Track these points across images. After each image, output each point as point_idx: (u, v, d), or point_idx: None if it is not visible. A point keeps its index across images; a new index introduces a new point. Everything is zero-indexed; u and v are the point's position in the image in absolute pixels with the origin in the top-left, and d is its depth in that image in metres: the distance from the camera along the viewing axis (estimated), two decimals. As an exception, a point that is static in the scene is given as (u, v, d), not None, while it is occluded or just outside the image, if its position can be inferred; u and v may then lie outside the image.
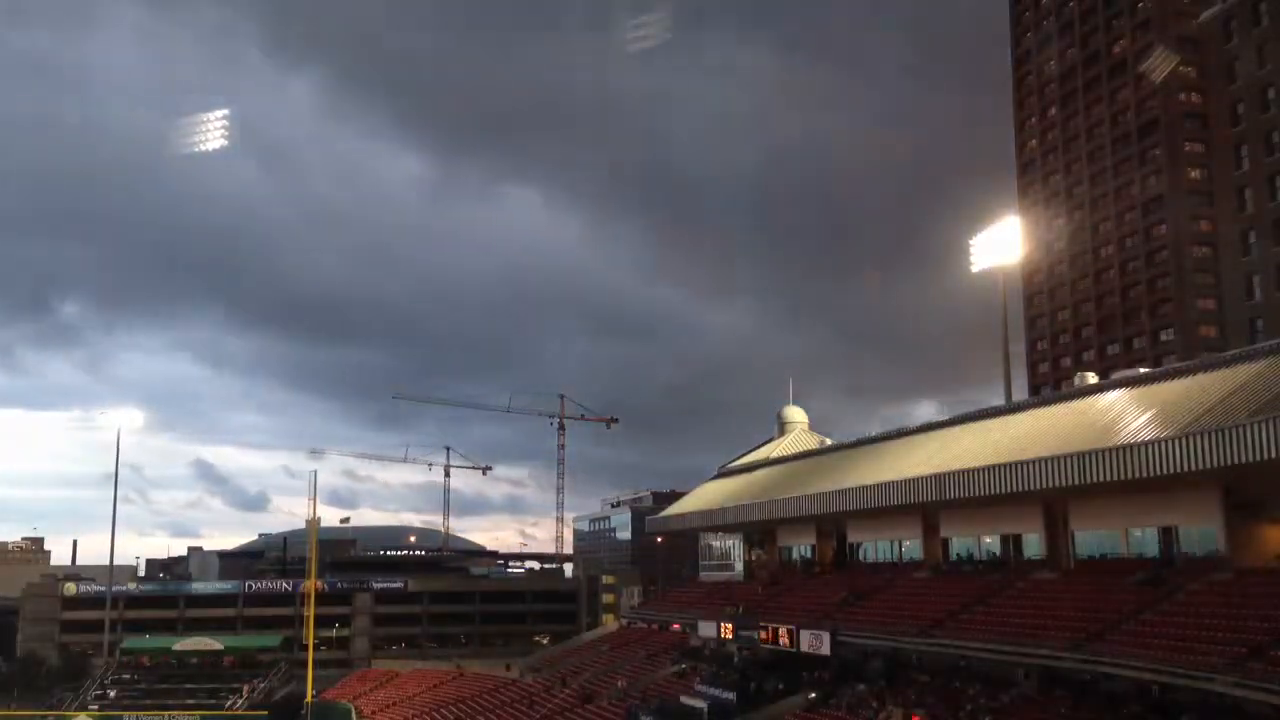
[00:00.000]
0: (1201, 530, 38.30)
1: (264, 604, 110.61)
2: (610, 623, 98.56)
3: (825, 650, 47.70)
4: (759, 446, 76.20)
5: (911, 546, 54.74)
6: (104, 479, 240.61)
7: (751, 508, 62.00)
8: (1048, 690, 38.10)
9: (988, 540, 50.01)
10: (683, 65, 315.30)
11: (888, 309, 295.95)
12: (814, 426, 76.45)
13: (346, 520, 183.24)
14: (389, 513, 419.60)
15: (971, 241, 58.45)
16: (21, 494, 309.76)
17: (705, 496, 72.95)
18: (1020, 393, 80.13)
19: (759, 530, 70.49)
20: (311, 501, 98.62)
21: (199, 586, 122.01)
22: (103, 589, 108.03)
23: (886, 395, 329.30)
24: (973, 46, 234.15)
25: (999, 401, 56.70)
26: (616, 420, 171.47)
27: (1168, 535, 39.88)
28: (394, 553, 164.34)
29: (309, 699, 72.72)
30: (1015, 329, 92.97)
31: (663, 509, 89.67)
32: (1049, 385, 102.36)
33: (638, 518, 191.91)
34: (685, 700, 53.23)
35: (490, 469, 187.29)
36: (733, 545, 78.43)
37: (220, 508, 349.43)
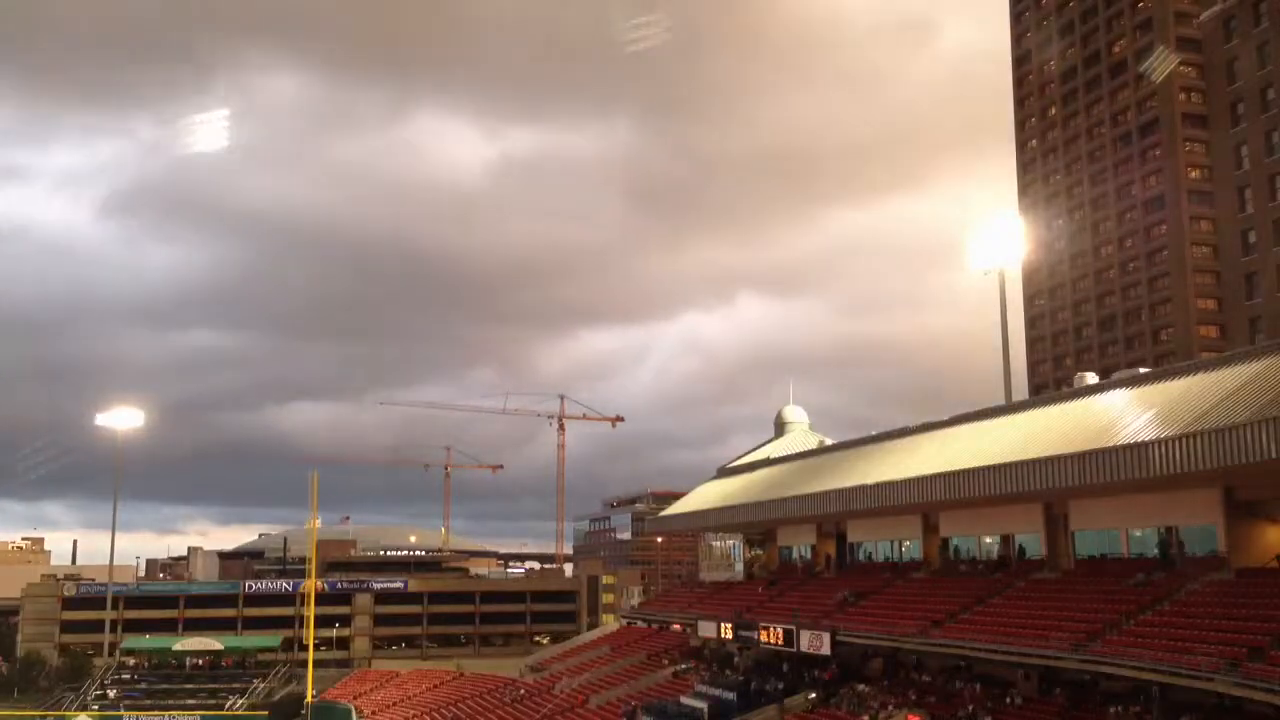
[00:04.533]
0: (1201, 530, 38.30)
1: (264, 604, 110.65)
2: (610, 623, 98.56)
3: (825, 650, 47.72)
4: (759, 447, 76.17)
5: (911, 546, 54.75)
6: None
7: (751, 508, 61.98)
8: (1048, 690, 38.14)
9: (988, 540, 50.03)
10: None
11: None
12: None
13: (347, 520, 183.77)
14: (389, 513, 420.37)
15: (971, 241, 58.33)
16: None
17: (705, 496, 72.92)
18: (1020, 393, 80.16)
19: (759, 530, 70.50)
20: (312, 502, 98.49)
21: (199, 586, 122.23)
22: (103, 589, 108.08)
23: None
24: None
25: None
26: (622, 419, 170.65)
27: (1168, 535, 39.90)
28: (394, 553, 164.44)
29: (309, 699, 72.76)
30: (1015, 329, 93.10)
31: (663, 509, 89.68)
32: (1049, 385, 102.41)
33: (637, 518, 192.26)
34: (685, 700, 53.26)
35: (501, 467, 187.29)
36: (733, 545, 78.48)
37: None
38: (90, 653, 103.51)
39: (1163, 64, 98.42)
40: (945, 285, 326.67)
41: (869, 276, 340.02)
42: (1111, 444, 35.74)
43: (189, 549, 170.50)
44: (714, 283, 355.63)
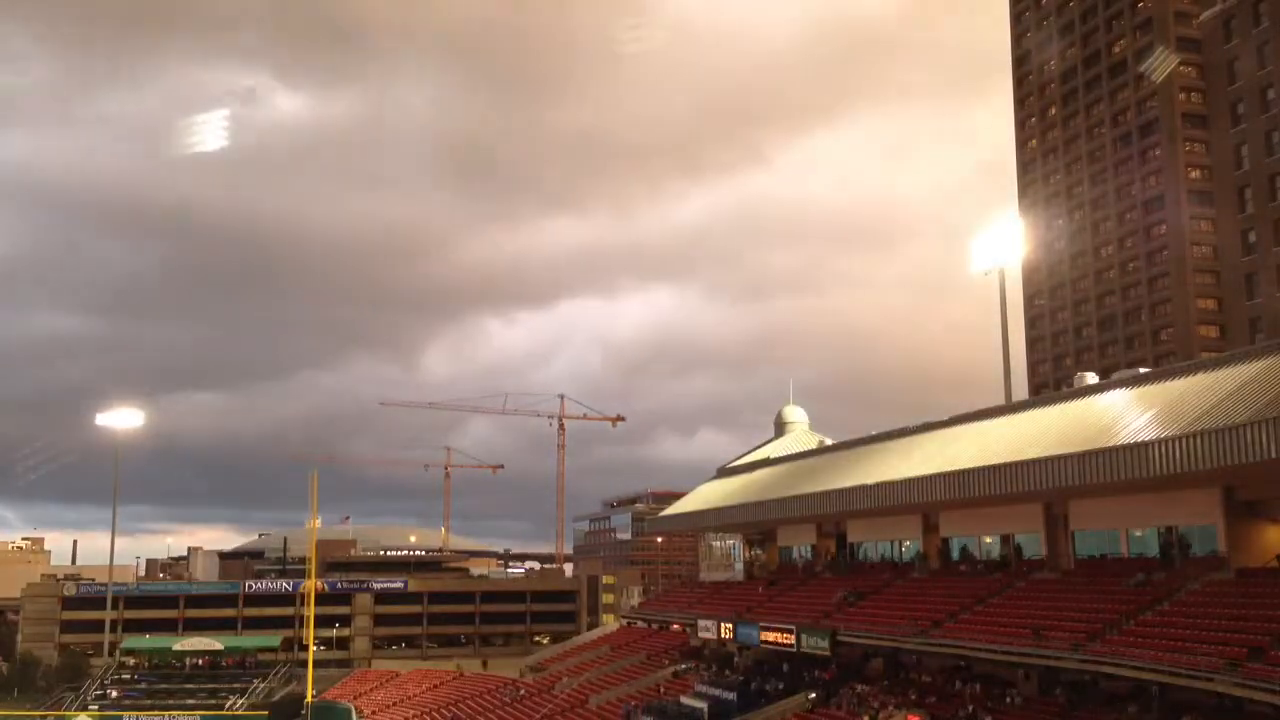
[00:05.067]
0: (1201, 530, 38.30)
1: (264, 604, 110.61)
2: (610, 623, 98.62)
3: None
4: (759, 447, 76.20)
5: (911, 546, 54.76)
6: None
7: (751, 508, 62.00)
8: (1048, 690, 38.14)
9: (988, 540, 50.03)
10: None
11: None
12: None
13: (347, 520, 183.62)
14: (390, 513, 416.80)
15: (972, 241, 58.44)
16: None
17: (705, 496, 72.96)
18: (1020, 393, 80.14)
19: (759, 530, 70.52)
20: (312, 502, 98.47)
21: (199, 586, 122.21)
22: (103, 589, 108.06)
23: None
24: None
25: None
26: (623, 418, 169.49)
27: (1168, 535, 39.89)
28: (394, 553, 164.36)
29: (309, 699, 72.66)
30: (1015, 329, 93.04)
31: (662, 509, 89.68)
32: (1049, 385, 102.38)
33: (638, 518, 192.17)
34: (685, 701, 53.31)
35: (501, 467, 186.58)
36: (733, 545, 78.44)
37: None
38: (90, 653, 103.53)
39: (1163, 64, 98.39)
40: (841, 269, 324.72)
41: (751, 258, 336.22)
42: (1111, 444, 35.75)
43: (189, 549, 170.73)
44: (590, 267, 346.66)
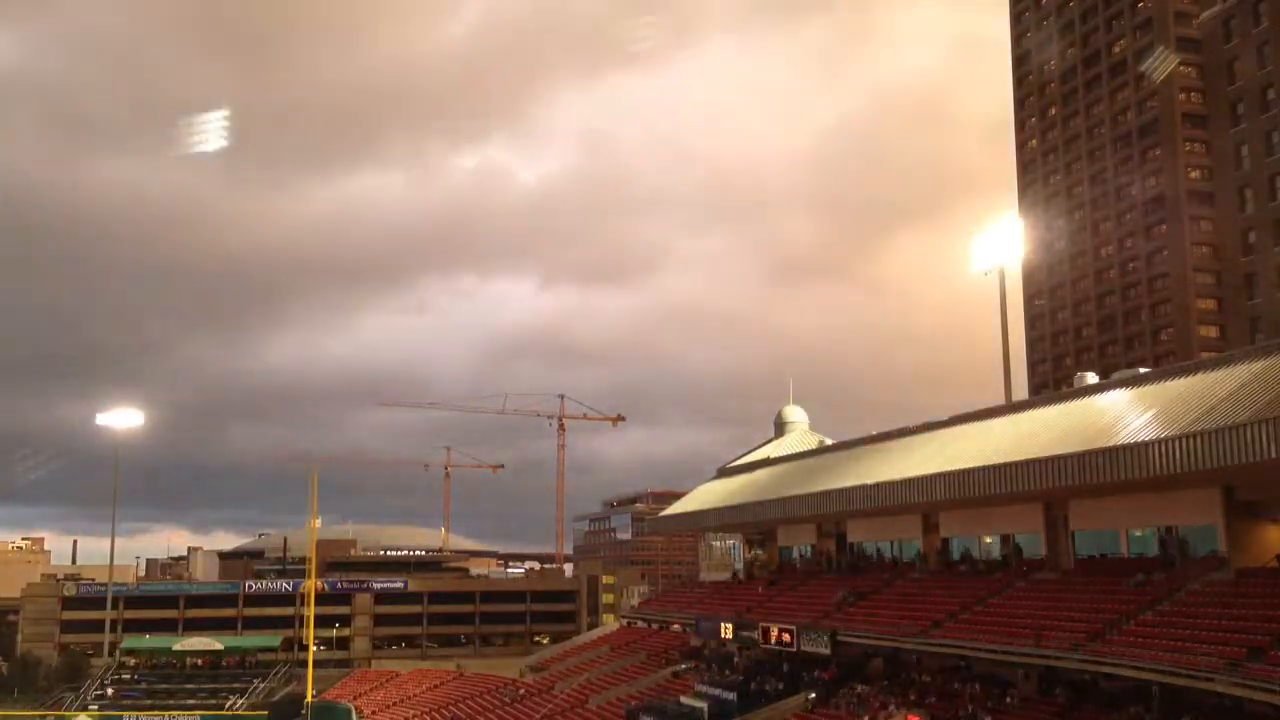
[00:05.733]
0: (1201, 530, 38.29)
1: (264, 604, 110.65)
2: (610, 623, 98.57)
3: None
4: (759, 447, 76.21)
5: (911, 546, 54.75)
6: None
7: (751, 508, 62.01)
8: (1048, 690, 38.14)
9: (988, 540, 50.03)
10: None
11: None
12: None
13: (347, 521, 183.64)
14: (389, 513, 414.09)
15: (972, 241, 58.49)
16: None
17: (705, 496, 72.97)
18: (1020, 393, 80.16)
19: (759, 530, 70.52)
20: (312, 502, 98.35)
21: (199, 587, 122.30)
22: (103, 589, 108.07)
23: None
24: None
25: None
26: (623, 418, 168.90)
27: (1168, 535, 39.89)
28: (394, 553, 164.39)
29: (309, 699, 72.71)
30: (1015, 329, 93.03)
31: (663, 509, 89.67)
32: (1049, 385, 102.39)
33: (637, 518, 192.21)
34: (685, 700, 53.29)
35: (501, 467, 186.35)
36: (733, 545, 78.51)
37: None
38: (90, 653, 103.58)
39: (1163, 64, 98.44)
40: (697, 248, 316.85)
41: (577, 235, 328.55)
42: (1111, 444, 35.76)
43: (189, 549, 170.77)
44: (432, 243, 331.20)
